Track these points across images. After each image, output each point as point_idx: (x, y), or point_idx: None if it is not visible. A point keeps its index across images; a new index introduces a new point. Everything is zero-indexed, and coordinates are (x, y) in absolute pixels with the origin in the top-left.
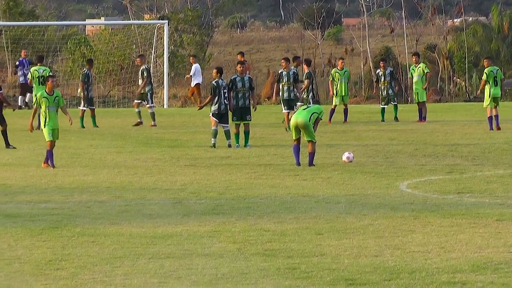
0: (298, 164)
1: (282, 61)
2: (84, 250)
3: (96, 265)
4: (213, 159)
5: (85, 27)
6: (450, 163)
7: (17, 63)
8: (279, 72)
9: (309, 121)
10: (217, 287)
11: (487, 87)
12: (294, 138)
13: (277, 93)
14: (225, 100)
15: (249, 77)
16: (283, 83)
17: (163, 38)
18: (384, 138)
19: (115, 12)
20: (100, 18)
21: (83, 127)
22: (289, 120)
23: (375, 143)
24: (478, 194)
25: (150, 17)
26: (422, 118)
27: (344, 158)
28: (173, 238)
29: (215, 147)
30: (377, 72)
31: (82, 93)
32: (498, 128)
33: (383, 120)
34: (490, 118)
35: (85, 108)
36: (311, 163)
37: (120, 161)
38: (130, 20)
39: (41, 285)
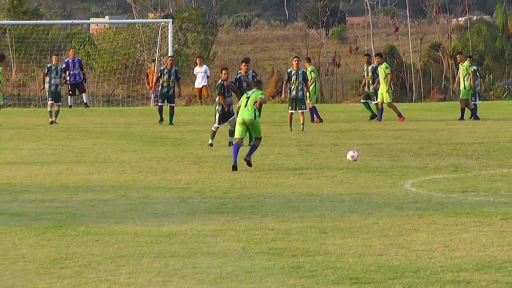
0: (235, 163)
1: (294, 59)
2: (88, 249)
3: (101, 264)
4: (217, 157)
5: (89, 26)
6: (454, 162)
7: (64, 65)
8: (288, 71)
9: (255, 118)
10: (221, 285)
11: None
12: (237, 136)
13: (286, 92)
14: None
15: (252, 74)
16: (292, 82)
17: (168, 37)
18: (389, 137)
19: (119, 11)
20: (104, 17)
21: (162, 120)
22: (291, 121)
23: (380, 142)
24: (482, 193)
25: (154, 16)
26: (399, 115)
27: (348, 157)
28: (178, 237)
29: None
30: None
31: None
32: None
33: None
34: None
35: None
36: (249, 155)
37: (124, 159)
38: (134, 19)
39: (45, 284)
